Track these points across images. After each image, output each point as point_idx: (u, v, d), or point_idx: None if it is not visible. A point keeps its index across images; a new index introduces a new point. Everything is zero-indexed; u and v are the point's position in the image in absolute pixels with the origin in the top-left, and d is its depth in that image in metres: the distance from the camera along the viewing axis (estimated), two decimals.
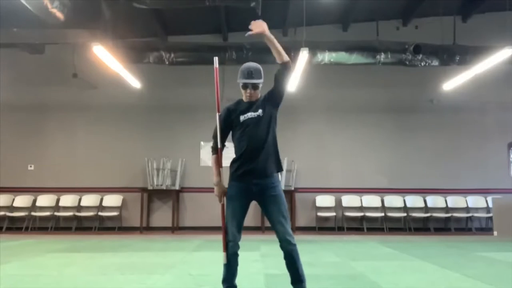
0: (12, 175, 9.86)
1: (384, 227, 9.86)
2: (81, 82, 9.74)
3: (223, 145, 3.21)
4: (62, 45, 9.17)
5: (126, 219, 10.00)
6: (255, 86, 3.22)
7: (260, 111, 3.17)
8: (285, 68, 3.20)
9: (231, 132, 3.25)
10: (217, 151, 3.21)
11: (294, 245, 3.06)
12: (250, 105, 3.20)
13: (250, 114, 3.16)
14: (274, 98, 3.25)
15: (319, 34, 8.89)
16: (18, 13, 6.10)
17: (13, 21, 6.87)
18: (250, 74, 3.21)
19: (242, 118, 3.15)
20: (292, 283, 3.12)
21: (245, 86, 3.21)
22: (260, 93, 3.28)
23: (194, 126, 9.93)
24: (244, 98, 3.25)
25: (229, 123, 3.20)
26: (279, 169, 3.25)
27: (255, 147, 3.10)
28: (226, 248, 3.14)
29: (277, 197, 3.14)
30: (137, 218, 9.61)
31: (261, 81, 3.25)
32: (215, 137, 3.22)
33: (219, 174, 3.20)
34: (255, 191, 3.14)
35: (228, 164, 3.20)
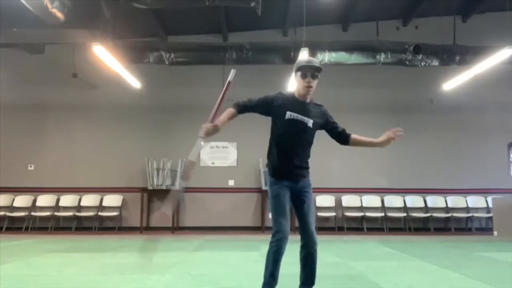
0: (12, 175, 9.86)
1: (384, 227, 9.86)
2: (81, 82, 9.74)
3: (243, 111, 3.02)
4: (62, 45, 9.16)
5: (126, 219, 10.00)
6: (314, 76, 3.02)
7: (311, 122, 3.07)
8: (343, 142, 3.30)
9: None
10: (240, 111, 3.02)
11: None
12: (303, 106, 3.06)
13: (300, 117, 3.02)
14: (325, 125, 3.29)
15: (319, 34, 8.88)
16: (18, 13, 6.10)
17: (13, 21, 6.87)
18: (310, 61, 3.06)
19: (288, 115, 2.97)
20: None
21: (304, 74, 2.99)
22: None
23: (194, 126, 9.77)
24: (301, 90, 3.04)
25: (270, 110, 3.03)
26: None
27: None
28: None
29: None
30: (137, 218, 9.61)
31: (320, 70, 3.03)
32: (253, 101, 3.04)
33: (223, 124, 2.97)
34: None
35: None
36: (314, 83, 3.02)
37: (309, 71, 2.99)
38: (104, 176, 10.02)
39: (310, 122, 3.07)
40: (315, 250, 3.08)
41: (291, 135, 3.02)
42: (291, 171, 3.03)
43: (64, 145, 10.18)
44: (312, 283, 3.10)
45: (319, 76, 3.06)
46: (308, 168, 3.16)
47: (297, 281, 3.21)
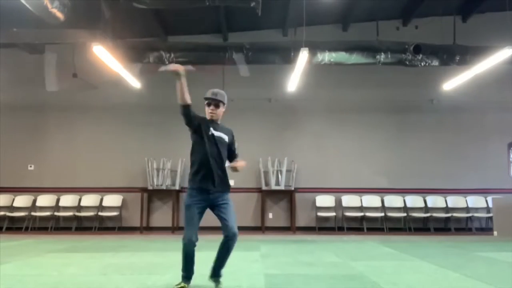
0: (12, 175, 9.87)
1: (384, 227, 9.86)
2: (81, 82, 9.74)
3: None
4: (62, 45, 9.17)
5: (126, 219, 10.00)
6: (216, 105, 3.64)
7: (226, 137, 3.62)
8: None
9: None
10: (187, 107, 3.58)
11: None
12: (215, 124, 3.62)
13: (219, 134, 3.59)
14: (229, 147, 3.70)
15: (319, 34, 8.88)
16: (18, 13, 6.09)
17: (13, 21, 6.87)
18: (214, 94, 3.65)
19: (211, 131, 3.56)
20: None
21: (208, 104, 3.66)
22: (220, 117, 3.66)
23: None
24: (207, 115, 3.65)
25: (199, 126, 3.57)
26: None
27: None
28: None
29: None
30: (137, 218, 9.61)
31: (223, 102, 3.65)
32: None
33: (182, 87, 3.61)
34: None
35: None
36: (216, 110, 3.62)
37: (212, 102, 3.64)
38: (104, 176, 10.01)
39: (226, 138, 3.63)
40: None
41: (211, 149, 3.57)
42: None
43: (64, 145, 10.18)
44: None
45: (222, 104, 3.64)
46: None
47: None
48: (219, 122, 3.65)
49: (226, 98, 3.68)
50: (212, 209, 3.53)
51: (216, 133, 3.56)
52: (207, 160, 3.47)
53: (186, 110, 3.52)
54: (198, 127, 3.54)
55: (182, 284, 3.44)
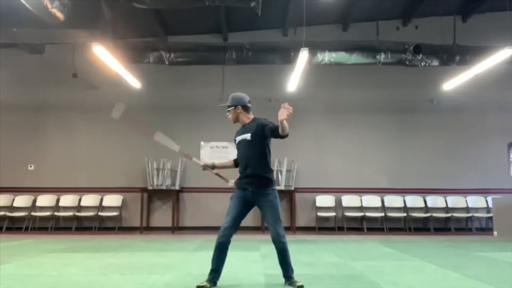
0: (12, 175, 9.86)
1: (384, 227, 9.85)
2: (81, 82, 9.74)
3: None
4: (62, 45, 9.17)
5: (126, 219, 10.00)
6: (228, 111, 3.90)
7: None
8: (280, 136, 3.75)
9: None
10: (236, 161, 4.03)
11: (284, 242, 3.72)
12: (241, 128, 3.93)
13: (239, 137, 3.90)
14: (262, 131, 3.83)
15: (319, 34, 8.88)
16: (18, 13, 6.09)
17: (13, 21, 6.86)
18: (226, 100, 3.92)
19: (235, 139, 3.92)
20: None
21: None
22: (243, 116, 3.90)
23: (194, 126, 9.94)
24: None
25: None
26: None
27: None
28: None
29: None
30: (137, 218, 9.61)
31: (231, 105, 3.88)
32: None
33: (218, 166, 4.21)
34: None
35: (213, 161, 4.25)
36: (229, 115, 3.92)
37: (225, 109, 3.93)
38: (104, 176, 10.01)
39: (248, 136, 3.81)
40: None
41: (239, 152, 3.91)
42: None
43: (64, 145, 10.18)
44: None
45: (231, 108, 3.88)
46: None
47: None
48: (246, 121, 3.89)
49: (237, 98, 3.90)
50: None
51: (237, 138, 3.89)
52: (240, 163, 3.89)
53: (236, 166, 4.02)
54: None
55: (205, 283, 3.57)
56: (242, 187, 3.77)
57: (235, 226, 3.70)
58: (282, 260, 3.70)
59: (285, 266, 3.70)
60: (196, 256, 5.91)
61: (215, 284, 3.62)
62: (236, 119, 3.89)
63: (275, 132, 3.66)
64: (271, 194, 3.75)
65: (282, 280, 3.76)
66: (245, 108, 3.89)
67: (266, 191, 3.74)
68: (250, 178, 3.74)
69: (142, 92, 9.67)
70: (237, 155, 3.93)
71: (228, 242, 3.64)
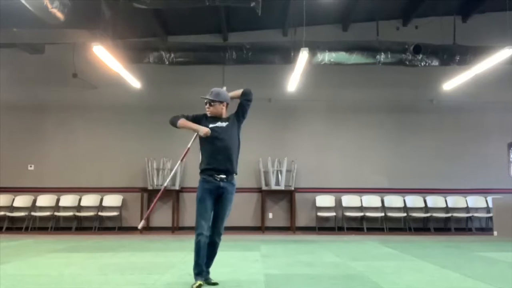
0: (12, 175, 9.86)
1: (384, 227, 9.85)
2: (81, 82, 9.74)
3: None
4: (62, 45, 9.17)
5: (126, 219, 10.00)
6: (210, 104, 3.96)
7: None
8: (247, 102, 4.07)
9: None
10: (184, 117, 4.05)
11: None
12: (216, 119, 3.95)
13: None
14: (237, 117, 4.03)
15: (319, 34, 8.88)
16: (18, 13, 6.09)
17: (13, 21, 6.86)
18: (210, 93, 3.97)
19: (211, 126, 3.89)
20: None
21: (205, 103, 4.00)
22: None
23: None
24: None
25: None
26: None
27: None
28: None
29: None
30: (137, 218, 9.58)
31: (219, 100, 3.94)
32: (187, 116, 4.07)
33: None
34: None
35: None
36: (210, 108, 3.96)
37: (206, 101, 3.97)
38: (104, 176, 10.01)
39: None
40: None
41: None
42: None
43: (64, 145, 10.18)
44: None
45: (216, 103, 3.93)
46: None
47: None
48: (222, 117, 3.94)
49: (224, 95, 3.99)
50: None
51: (210, 125, 3.87)
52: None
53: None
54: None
55: (199, 283, 3.70)
56: (215, 180, 3.78)
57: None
58: (213, 254, 3.98)
59: (212, 261, 3.98)
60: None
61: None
62: (216, 114, 3.93)
63: (244, 105, 3.98)
64: (234, 189, 3.87)
65: (282, 280, 3.76)
66: (227, 106, 4.01)
67: (234, 185, 3.87)
68: (226, 173, 3.79)
69: (142, 92, 9.67)
70: (207, 144, 3.88)
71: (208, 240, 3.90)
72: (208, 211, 3.81)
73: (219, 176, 3.75)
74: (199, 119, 3.97)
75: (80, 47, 8.81)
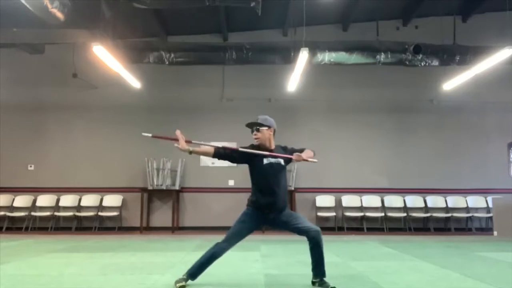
0: (12, 175, 9.86)
1: (384, 227, 9.85)
2: (81, 82, 9.74)
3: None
4: (62, 45, 9.16)
5: (126, 219, 10.00)
6: (257, 130, 3.74)
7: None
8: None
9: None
10: (216, 153, 3.72)
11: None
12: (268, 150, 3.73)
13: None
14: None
15: (319, 34, 8.88)
16: (18, 13, 6.09)
17: (13, 21, 6.87)
18: (256, 119, 3.74)
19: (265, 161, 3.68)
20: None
21: (251, 131, 3.79)
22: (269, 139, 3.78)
23: (194, 126, 9.92)
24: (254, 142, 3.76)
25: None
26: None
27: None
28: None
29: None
30: (137, 218, 9.60)
31: (266, 125, 3.75)
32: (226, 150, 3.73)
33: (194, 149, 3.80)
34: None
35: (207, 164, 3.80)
36: (258, 134, 3.74)
37: (251, 128, 3.75)
38: (104, 176, 10.01)
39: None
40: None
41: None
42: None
43: (64, 145, 10.17)
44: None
45: (261, 127, 3.74)
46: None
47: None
48: (271, 147, 3.80)
49: (272, 121, 3.82)
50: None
51: (264, 160, 3.71)
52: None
53: (214, 156, 3.72)
54: (247, 162, 3.72)
55: (183, 283, 3.59)
56: (263, 211, 3.81)
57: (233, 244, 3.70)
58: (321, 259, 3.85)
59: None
60: (196, 256, 5.89)
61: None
62: (264, 141, 3.74)
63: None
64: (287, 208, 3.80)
65: (282, 280, 3.76)
66: (274, 133, 3.83)
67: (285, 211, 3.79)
68: (276, 208, 3.78)
69: (142, 92, 9.67)
70: (259, 177, 3.80)
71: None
72: (244, 234, 3.76)
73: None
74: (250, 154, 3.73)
75: (80, 47, 8.80)
